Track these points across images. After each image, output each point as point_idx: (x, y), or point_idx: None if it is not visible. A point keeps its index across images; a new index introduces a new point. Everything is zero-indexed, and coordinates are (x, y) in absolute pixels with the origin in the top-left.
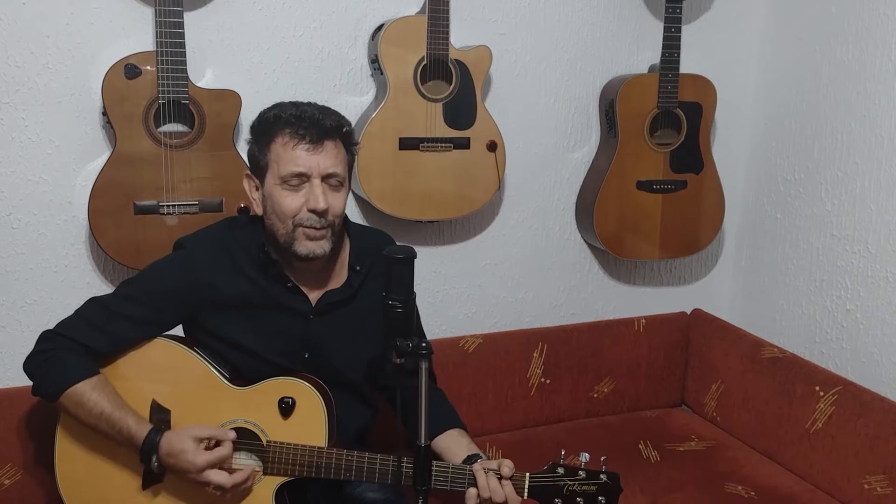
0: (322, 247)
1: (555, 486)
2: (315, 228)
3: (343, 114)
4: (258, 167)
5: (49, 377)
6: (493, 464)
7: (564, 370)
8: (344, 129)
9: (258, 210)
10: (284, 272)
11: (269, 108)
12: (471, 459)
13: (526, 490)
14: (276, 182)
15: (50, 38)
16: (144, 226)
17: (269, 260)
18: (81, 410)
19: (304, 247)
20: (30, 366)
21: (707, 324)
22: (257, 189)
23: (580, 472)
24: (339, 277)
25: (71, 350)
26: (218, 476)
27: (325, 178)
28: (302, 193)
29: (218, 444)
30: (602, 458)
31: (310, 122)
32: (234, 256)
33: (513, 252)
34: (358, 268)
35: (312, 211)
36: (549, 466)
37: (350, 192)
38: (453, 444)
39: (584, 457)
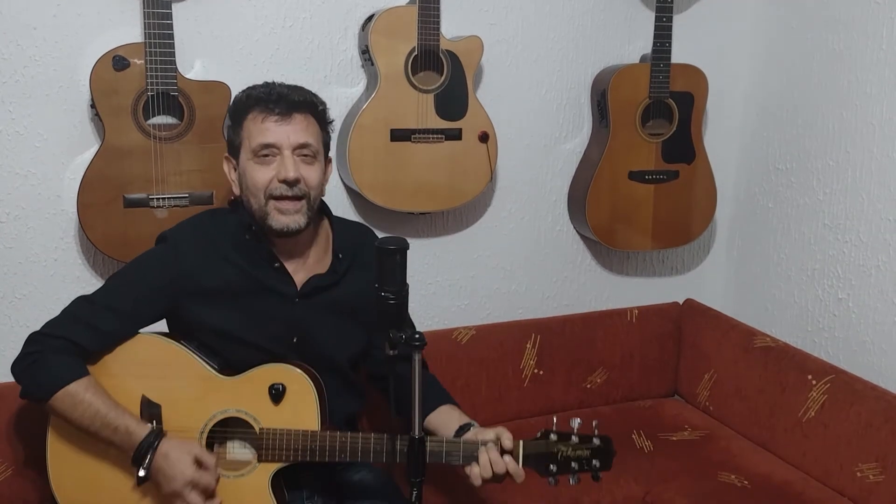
0: (296, 221)
1: (549, 452)
2: (287, 199)
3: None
4: (234, 147)
5: (38, 379)
6: (490, 433)
7: (557, 361)
8: (317, 107)
9: (236, 191)
10: (272, 251)
11: (241, 91)
12: (463, 430)
13: (520, 458)
14: (248, 157)
15: (37, 29)
16: (134, 219)
17: (256, 238)
18: (74, 411)
19: (277, 221)
20: (17, 369)
21: (699, 314)
22: (234, 170)
23: (573, 437)
24: (324, 263)
25: (59, 350)
26: (195, 498)
27: (297, 149)
28: (273, 166)
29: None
30: (594, 423)
31: (278, 96)
32: (216, 244)
33: (505, 243)
34: (341, 255)
35: (283, 181)
36: (541, 433)
37: (341, 184)
38: (445, 418)
39: (576, 422)
